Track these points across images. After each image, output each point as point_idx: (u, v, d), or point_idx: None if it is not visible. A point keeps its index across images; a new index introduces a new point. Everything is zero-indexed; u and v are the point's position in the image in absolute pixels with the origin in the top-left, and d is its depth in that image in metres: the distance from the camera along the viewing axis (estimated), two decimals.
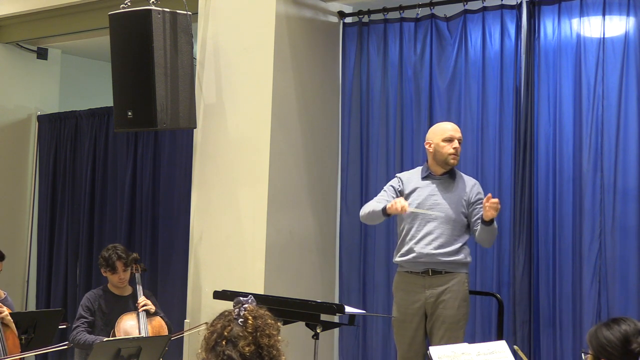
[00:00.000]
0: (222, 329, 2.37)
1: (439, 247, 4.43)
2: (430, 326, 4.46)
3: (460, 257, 4.45)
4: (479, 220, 4.40)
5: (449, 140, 4.48)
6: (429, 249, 4.43)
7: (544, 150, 4.79)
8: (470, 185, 4.54)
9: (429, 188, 4.52)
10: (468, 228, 4.51)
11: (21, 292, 7.16)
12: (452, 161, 4.50)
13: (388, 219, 4.64)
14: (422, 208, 4.47)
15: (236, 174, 5.22)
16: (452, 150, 4.48)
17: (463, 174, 4.61)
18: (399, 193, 4.56)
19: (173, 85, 4.97)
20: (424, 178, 4.55)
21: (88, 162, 6.83)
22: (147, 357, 4.21)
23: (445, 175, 4.53)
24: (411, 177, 4.60)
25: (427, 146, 4.55)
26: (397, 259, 4.56)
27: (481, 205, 4.41)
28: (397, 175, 4.69)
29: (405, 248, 4.50)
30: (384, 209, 4.41)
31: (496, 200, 4.28)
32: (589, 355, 2.87)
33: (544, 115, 4.79)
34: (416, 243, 4.46)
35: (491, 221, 4.34)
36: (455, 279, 4.44)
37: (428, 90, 5.18)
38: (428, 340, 4.52)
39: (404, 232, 4.54)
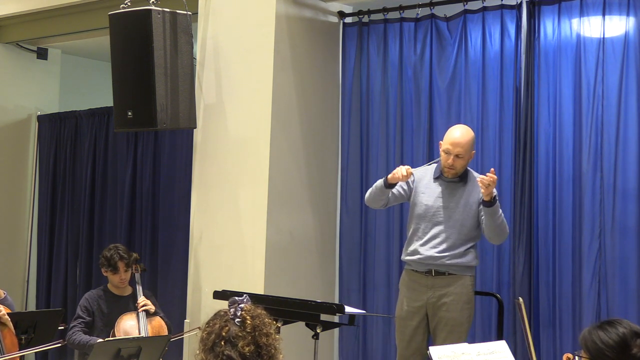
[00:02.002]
0: (220, 329, 2.37)
1: (444, 250, 4.41)
2: (433, 327, 4.46)
3: (464, 260, 4.42)
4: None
5: (447, 152, 4.43)
6: (433, 252, 4.42)
7: (544, 150, 4.78)
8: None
9: (438, 190, 4.49)
10: (477, 231, 4.47)
11: (21, 292, 7.15)
12: (445, 174, 4.47)
13: (390, 218, 4.65)
14: (429, 212, 4.45)
15: (236, 174, 5.22)
16: (446, 164, 4.44)
17: (473, 172, 4.56)
18: (410, 186, 4.54)
19: (173, 85, 4.97)
20: (435, 179, 4.52)
21: (88, 162, 6.83)
22: (147, 357, 4.21)
23: (457, 177, 4.49)
24: (424, 175, 4.57)
25: (439, 146, 4.53)
26: (404, 257, 4.56)
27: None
28: (412, 169, 4.60)
29: (412, 248, 4.50)
30: (385, 180, 4.41)
31: (489, 178, 4.17)
32: (583, 358, 2.85)
33: (544, 115, 4.79)
34: (422, 245, 4.46)
35: (491, 201, 4.26)
36: (459, 281, 4.42)
37: (428, 90, 5.18)
38: (431, 340, 4.52)
39: (411, 232, 4.54)
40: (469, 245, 4.45)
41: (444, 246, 4.41)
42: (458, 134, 4.44)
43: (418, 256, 4.45)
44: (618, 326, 2.81)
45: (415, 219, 4.52)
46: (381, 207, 4.69)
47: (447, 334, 4.39)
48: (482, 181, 4.21)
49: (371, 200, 4.59)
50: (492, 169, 4.27)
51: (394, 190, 4.51)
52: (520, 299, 3.88)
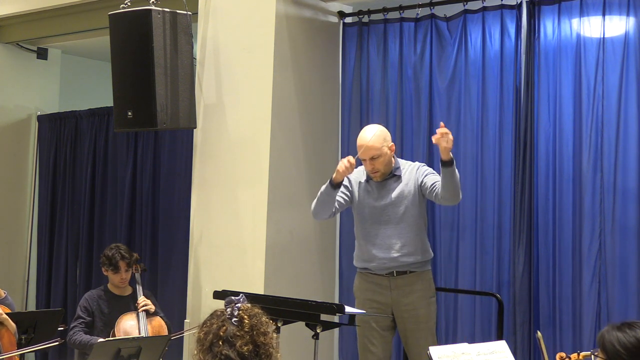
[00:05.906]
0: (218, 329, 2.36)
1: (401, 248, 4.33)
2: (402, 327, 4.41)
3: (423, 256, 4.39)
4: (437, 183, 4.22)
5: (363, 159, 4.32)
6: (391, 254, 4.34)
7: (544, 150, 4.78)
8: (414, 171, 4.38)
9: (376, 189, 4.39)
10: (423, 218, 4.41)
11: (21, 292, 7.16)
12: (374, 179, 4.37)
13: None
14: (375, 213, 4.35)
15: (236, 174, 5.22)
16: (369, 171, 4.35)
17: (405, 163, 4.46)
18: (349, 189, 4.44)
19: (173, 85, 4.97)
20: (367, 180, 4.43)
21: (88, 162, 6.83)
22: (147, 357, 4.21)
23: (388, 175, 4.40)
24: (360, 176, 4.46)
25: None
26: (359, 264, 4.47)
27: (432, 172, 4.32)
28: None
29: (367, 255, 4.41)
30: (331, 181, 4.27)
31: (444, 130, 4.02)
32: (599, 357, 2.84)
33: (544, 115, 4.79)
34: (377, 249, 4.37)
35: (450, 162, 4.07)
36: (421, 277, 4.39)
37: (428, 90, 5.18)
38: (401, 342, 4.51)
39: (360, 237, 4.44)
40: (421, 238, 4.37)
41: (399, 244, 4.33)
42: (364, 136, 4.32)
43: (377, 262, 4.36)
44: (637, 329, 2.80)
45: (363, 223, 4.42)
46: (329, 217, 4.53)
47: (417, 331, 4.35)
48: (439, 139, 4.00)
49: (319, 208, 4.40)
50: (442, 123, 4.10)
51: (338, 198, 4.38)
52: (539, 333, 3.67)
